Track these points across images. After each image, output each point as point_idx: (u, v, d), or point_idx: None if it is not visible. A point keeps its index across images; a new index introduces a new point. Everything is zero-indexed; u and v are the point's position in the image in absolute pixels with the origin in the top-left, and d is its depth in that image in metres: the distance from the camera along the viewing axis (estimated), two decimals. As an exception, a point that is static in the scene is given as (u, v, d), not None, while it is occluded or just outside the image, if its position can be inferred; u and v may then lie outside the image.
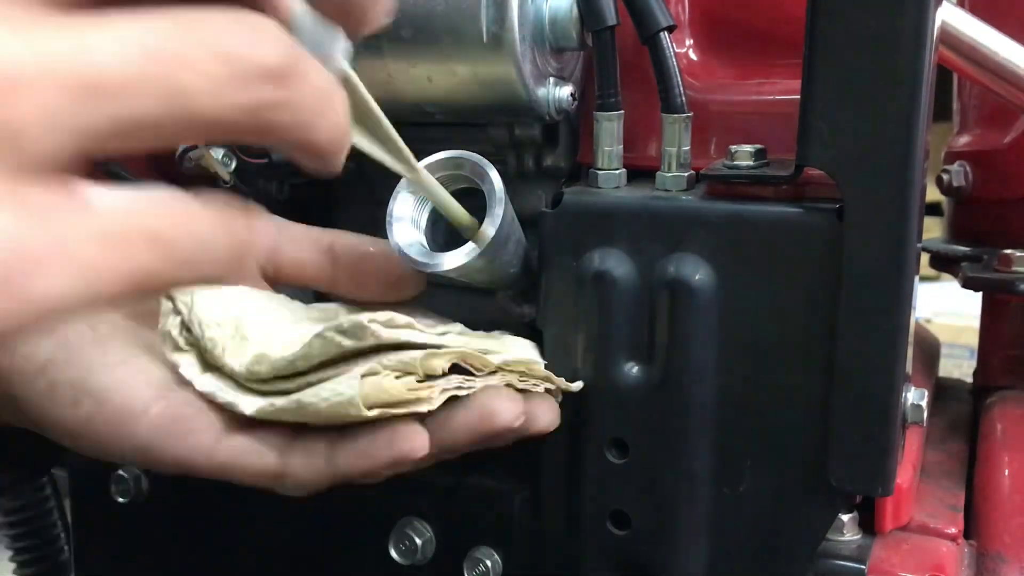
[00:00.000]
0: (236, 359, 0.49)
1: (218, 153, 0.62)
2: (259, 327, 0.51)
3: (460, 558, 0.60)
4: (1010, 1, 0.73)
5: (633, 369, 0.53)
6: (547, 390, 0.52)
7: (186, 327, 0.51)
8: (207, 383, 0.49)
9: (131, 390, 0.50)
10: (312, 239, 0.57)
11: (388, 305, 0.51)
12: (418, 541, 0.61)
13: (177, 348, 0.51)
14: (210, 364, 0.50)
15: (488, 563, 0.59)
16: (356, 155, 0.71)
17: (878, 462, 0.49)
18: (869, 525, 0.56)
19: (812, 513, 0.52)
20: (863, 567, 0.53)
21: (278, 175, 0.71)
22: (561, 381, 0.53)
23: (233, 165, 0.63)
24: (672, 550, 0.54)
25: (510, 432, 0.49)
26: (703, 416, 0.52)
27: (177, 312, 0.51)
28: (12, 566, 0.97)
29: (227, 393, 0.49)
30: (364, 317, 0.45)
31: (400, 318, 0.47)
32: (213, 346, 0.50)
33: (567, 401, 0.55)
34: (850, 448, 0.49)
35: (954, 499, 0.62)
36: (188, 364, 0.50)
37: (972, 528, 0.59)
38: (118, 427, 0.49)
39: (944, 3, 0.56)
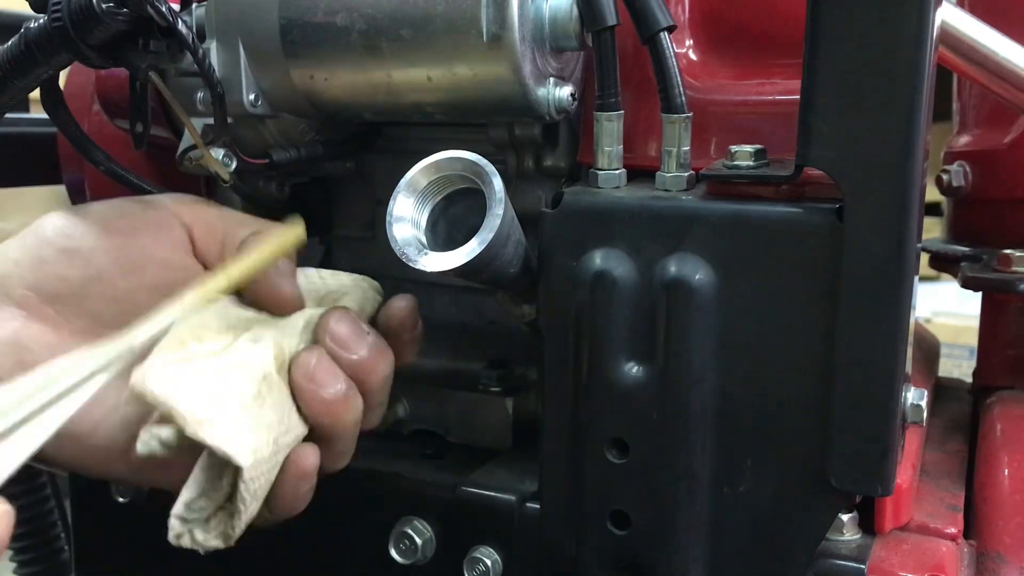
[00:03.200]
0: None
1: (218, 153, 0.62)
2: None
3: (460, 558, 0.60)
4: (1010, 1, 0.73)
5: (633, 369, 0.53)
6: None
7: None
8: None
9: (108, 432, 0.54)
10: None
11: None
12: (418, 541, 0.61)
13: None
14: None
15: (488, 563, 0.59)
16: (355, 155, 0.71)
17: (878, 462, 0.49)
18: (869, 525, 0.56)
19: (812, 513, 0.52)
20: (863, 567, 0.53)
21: (278, 175, 0.71)
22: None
23: (233, 165, 0.63)
24: (672, 550, 0.54)
25: None
26: (703, 416, 0.52)
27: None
28: (12, 566, 0.97)
29: None
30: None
31: None
32: None
33: (567, 401, 0.55)
34: (850, 448, 0.49)
35: (954, 499, 0.62)
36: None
37: (972, 528, 0.59)
38: (104, 465, 0.55)
39: (944, 3, 0.56)
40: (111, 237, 0.56)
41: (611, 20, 0.55)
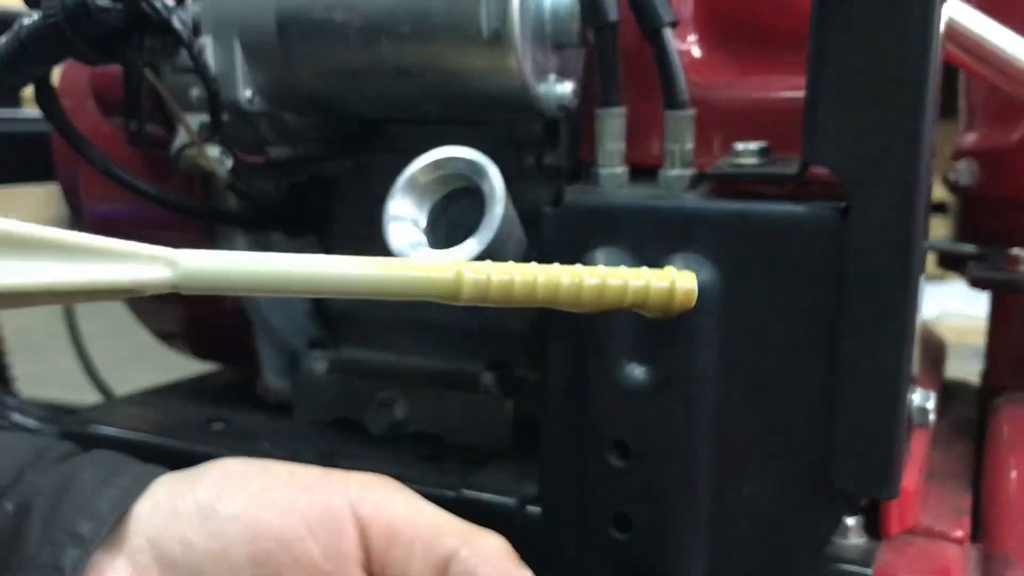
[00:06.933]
0: None
1: (214, 151, 0.61)
2: None
3: (460, 561, 0.60)
4: (1017, -3, 0.73)
5: (635, 371, 0.52)
6: None
7: None
8: None
9: None
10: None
11: None
12: (417, 544, 0.61)
13: None
14: None
15: (488, 566, 0.59)
16: (353, 153, 0.71)
17: (884, 464, 0.48)
18: (875, 528, 0.56)
19: (817, 516, 0.51)
20: (869, 571, 0.52)
21: (275, 174, 0.70)
22: None
23: (229, 163, 0.62)
24: (674, 553, 0.53)
25: None
26: (705, 418, 0.51)
27: None
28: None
29: None
30: None
31: None
32: None
33: (568, 403, 0.54)
34: (855, 450, 0.49)
35: (960, 502, 0.61)
36: None
37: (979, 531, 0.59)
38: None
39: (951, -2, 0.55)
40: (259, 510, 0.46)
41: (613, 16, 0.54)
